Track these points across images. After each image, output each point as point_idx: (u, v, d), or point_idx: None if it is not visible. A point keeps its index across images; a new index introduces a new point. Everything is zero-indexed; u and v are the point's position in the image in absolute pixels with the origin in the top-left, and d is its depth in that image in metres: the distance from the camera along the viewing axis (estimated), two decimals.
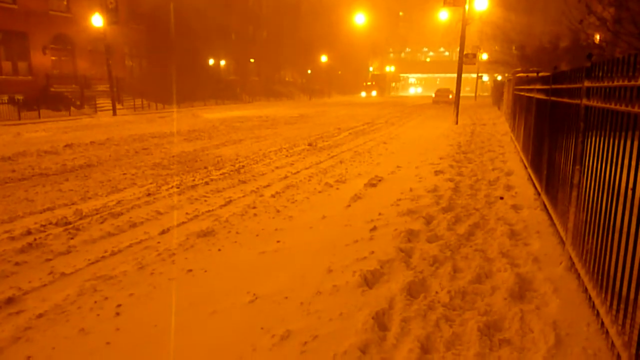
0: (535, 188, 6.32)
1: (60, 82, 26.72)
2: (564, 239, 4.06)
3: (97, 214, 5.74)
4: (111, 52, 25.21)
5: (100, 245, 4.69)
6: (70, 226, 5.22)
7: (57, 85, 26.41)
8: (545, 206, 5.37)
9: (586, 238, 3.36)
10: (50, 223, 5.33)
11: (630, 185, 2.54)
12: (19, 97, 23.67)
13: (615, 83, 2.84)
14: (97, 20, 25.24)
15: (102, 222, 5.39)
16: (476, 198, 6.25)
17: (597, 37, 15.13)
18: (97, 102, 26.56)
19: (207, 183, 7.51)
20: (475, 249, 4.27)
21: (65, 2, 27.70)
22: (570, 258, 3.75)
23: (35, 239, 4.77)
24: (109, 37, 25.10)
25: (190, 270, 4.03)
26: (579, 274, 3.46)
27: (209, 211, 5.87)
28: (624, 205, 2.62)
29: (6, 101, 23.13)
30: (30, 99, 23.77)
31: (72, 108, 25.03)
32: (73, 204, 6.30)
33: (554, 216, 4.74)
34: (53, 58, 27.11)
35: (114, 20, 25.07)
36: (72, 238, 4.86)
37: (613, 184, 2.85)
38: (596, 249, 3.08)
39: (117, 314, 3.28)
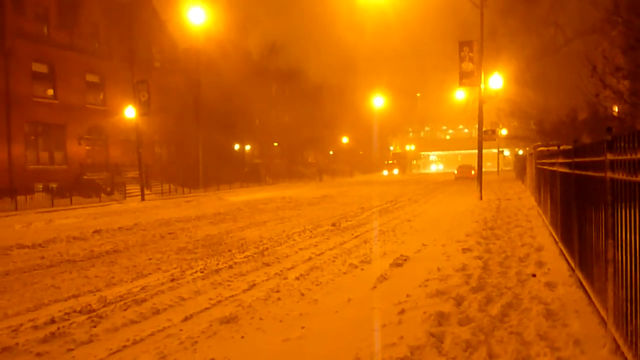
0: (569, 264, 6.08)
1: (93, 170, 27.94)
2: (605, 318, 3.82)
3: (121, 300, 5.71)
4: (141, 140, 26.46)
5: (122, 333, 4.61)
6: (94, 314, 5.19)
7: (89, 173, 27.61)
8: (581, 283, 5.12)
9: (629, 317, 3.16)
10: (75, 311, 5.31)
11: None
12: (53, 185, 24.71)
13: (639, 155, 2.80)
14: (130, 112, 26.81)
15: (125, 309, 5.35)
16: (507, 276, 6.02)
17: (616, 108, 15.23)
18: (127, 188, 27.49)
19: (230, 267, 7.47)
20: (511, 332, 4.04)
21: (101, 96, 29.68)
22: (614, 340, 3.50)
23: (58, 328, 4.74)
24: (140, 127, 26.48)
25: None
26: (625, 358, 3.21)
27: (232, 296, 5.79)
28: None
29: (41, 189, 24.16)
30: (63, 187, 24.78)
31: (102, 194, 25.91)
32: (98, 290, 6.31)
33: (591, 294, 4.51)
34: (87, 147, 28.58)
35: (145, 111, 26.57)
36: (94, 326, 4.81)
37: None
38: None
39: None
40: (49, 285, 6.68)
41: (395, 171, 66.77)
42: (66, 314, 5.23)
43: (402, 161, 73.02)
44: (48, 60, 26.29)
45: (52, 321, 4.99)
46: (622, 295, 3.34)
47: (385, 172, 65.91)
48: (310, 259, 7.91)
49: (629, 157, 3.03)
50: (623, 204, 3.30)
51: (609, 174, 3.62)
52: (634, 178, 2.96)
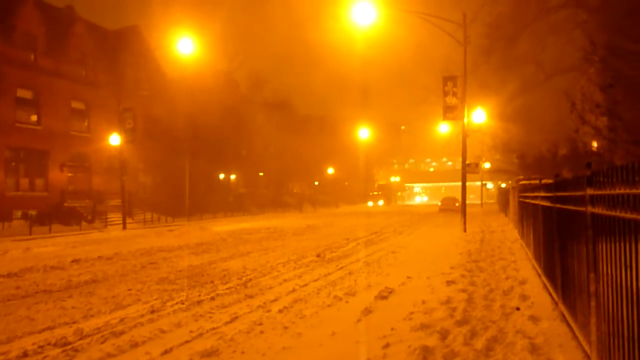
0: (552, 297, 6.09)
1: (74, 197, 27.48)
2: (589, 352, 3.82)
3: (98, 332, 5.54)
4: (126, 168, 26.23)
5: None
6: (69, 347, 5.01)
7: (71, 200, 27.13)
8: (564, 316, 5.13)
9: (612, 352, 3.16)
10: (49, 344, 5.12)
11: None
12: (32, 212, 24.20)
13: (617, 191, 2.86)
14: (114, 140, 26.64)
15: (102, 342, 5.18)
16: (491, 309, 6.00)
17: (594, 144, 15.61)
18: (108, 216, 27.04)
19: (212, 298, 7.32)
20: None
21: (86, 123, 29.51)
22: None
23: None
24: (125, 155, 26.30)
25: None
26: None
27: (213, 329, 5.65)
28: None
29: (19, 216, 23.63)
30: (43, 214, 24.26)
31: (83, 222, 25.41)
32: (74, 322, 6.11)
33: (574, 328, 4.51)
34: (70, 174, 28.19)
35: (130, 139, 26.44)
36: None
37: (632, 292, 2.74)
38: None
39: None
40: (23, 317, 6.45)
41: (380, 202, 66.99)
42: (40, 347, 5.04)
43: (387, 192, 73.38)
44: (33, 86, 26.19)
45: (25, 355, 4.80)
46: (604, 329, 3.35)
47: (370, 203, 66.08)
48: (294, 290, 7.81)
49: (608, 192, 3.10)
50: (604, 238, 3.34)
51: (590, 209, 3.68)
52: (613, 213, 3.01)
